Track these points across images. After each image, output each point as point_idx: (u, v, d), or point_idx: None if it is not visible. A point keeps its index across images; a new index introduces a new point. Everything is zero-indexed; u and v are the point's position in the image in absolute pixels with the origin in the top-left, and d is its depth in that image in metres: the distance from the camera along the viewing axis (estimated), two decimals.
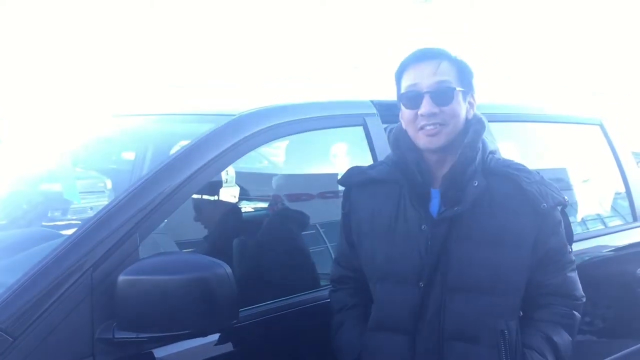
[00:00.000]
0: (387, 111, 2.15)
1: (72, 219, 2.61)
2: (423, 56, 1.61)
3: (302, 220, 2.27)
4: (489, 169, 1.61)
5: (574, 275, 1.68)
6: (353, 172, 1.75)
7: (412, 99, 1.59)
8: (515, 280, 1.59)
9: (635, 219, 2.97)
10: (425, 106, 1.56)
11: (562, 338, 1.62)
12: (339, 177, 1.81)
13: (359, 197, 1.71)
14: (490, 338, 1.56)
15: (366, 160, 2.05)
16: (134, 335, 1.46)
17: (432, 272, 1.56)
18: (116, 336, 1.46)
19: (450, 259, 1.56)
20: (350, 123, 2.16)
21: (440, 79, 1.57)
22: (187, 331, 1.49)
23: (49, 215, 2.72)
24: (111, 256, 1.53)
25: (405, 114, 1.62)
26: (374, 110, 2.18)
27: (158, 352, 1.56)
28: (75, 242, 1.52)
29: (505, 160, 1.68)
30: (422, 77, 1.58)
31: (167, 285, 1.44)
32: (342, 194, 1.79)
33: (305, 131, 2.09)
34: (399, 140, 1.66)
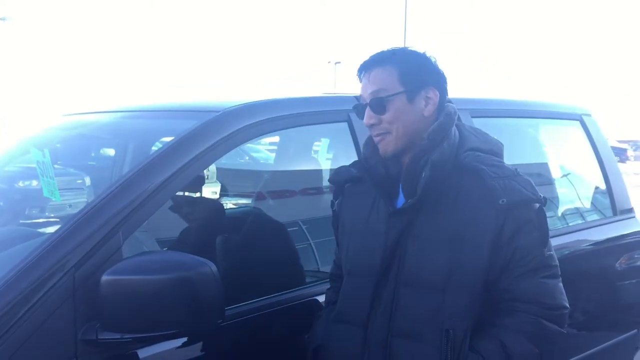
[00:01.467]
0: None
1: (51, 217, 2.56)
2: (362, 68, 1.63)
3: (286, 216, 2.25)
4: (460, 164, 1.56)
5: (552, 282, 1.53)
6: (341, 170, 1.77)
7: (359, 111, 1.64)
8: (470, 280, 1.50)
9: (614, 214, 3.01)
10: (366, 118, 1.60)
11: (522, 348, 1.46)
12: (325, 174, 1.81)
13: (346, 196, 1.74)
14: (435, 336, 1.49)
15: (351, 156, 2.04)
16: (118, 335, 1.43)
17: (388, 266, 1.56)
18: (100, 337, 1.44)
19: (406, 254, 1.55)
20: (334, 119, 2.15)
21: (372, 90, 1.58)
22: (172, 331, 1.47)
23: (27, 213, 2.67)
24: (94, 255, 1.49)
25: None
26: None
27: (142, 353, 1.54)
28: (57, 241, 1.49)
29: (482, 157, 1.58)
30: (363, 89, 1.61)
31: (151, 285, 1.41)
32: (327, 190, 1.79)
33: (290, 127, 2.07)
34: (371, 139, 1.67)
